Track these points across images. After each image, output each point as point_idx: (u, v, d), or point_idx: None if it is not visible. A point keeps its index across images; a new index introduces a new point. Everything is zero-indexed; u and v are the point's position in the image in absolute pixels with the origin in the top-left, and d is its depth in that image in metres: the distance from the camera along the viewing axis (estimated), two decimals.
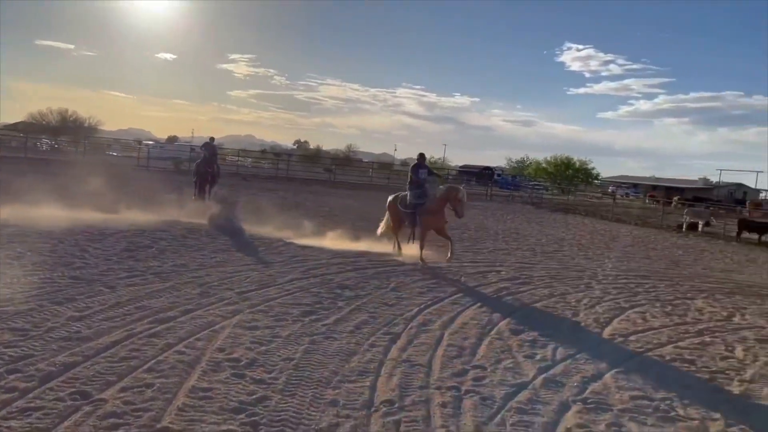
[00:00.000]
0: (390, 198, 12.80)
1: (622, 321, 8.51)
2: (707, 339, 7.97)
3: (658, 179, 75.08)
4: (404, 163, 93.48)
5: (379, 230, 13.12)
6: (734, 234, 24.93)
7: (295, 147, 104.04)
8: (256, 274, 9.23)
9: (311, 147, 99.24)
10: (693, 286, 12.17)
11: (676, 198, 46.53)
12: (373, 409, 4.82)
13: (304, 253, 11.44)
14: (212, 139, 18.71)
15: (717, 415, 5.34)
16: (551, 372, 6.08)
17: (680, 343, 7.62)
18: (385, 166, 71.50)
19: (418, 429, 4.53)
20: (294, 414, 4.58)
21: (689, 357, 7.05)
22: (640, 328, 8.18)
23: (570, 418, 4.98)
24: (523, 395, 5.39)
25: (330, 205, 22.19)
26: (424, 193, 11.83)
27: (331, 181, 37.72)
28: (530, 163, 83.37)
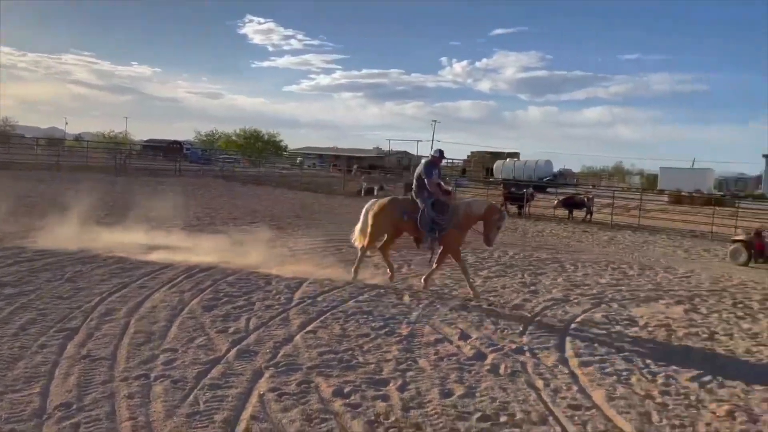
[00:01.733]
0: (381, 202, 9.57)
1: (311, 284, 9.03)
2: (382, 291, 8.95)
3: (339, 150, 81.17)
4: (78, 137, 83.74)
5: (355, 240, 9.91)
6: (402, 195, 28.46)
7: None
8: None
9: None
10: None
11: (355, 167, 51.03)
12: (45, 416, 4.27)
13: None
14: None
15: (390, 356, 6.07)
16: (244, 343, 6.17)
17: (360, 297, 8.43)
18: (54, 142, 63.15)
19: (101, 427, 4.17)
20: None
21: (367, 309, 7.85)
22: (327, 289, 8.78)
23: (263, 384, 5.13)
24: (216, 370, 5.36)
25: None
26: (444, 205, 9.04)
27: None
28: (220, 136, 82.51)
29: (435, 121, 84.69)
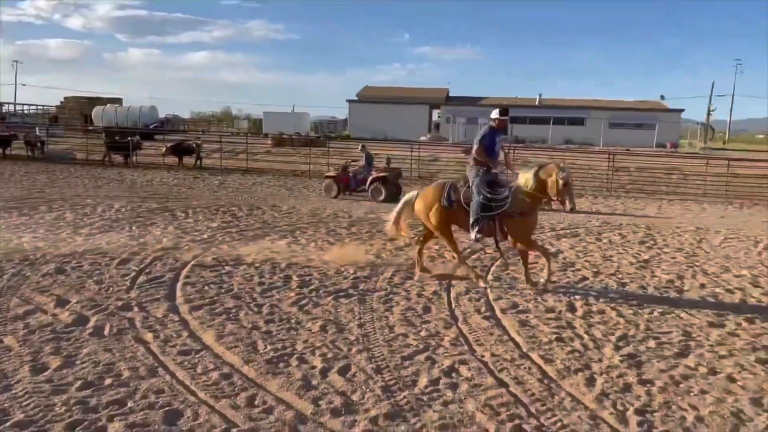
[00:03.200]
0: (424, 192, 7.90)
1: None
2: None
3: None
4: None
5: (389, 228, 8.29)
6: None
7: None
8: None
9: None
10: None
11: None
12: None
13: None
14: None
15: None
16: None
17: None
18: None
19: None
20: None
21: None
22: None
23: None
24: None
25: None
26: (498, 184, 7.31)
27: None
28: None
29: (17, 61, 71.58)
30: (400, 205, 8.21)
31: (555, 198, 7.05)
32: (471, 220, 7.28)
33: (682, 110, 53.23)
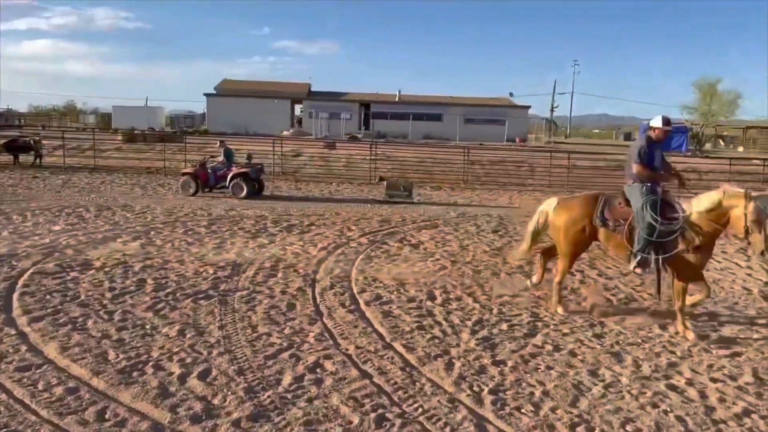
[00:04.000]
0: (568, 203, 6.70)
1: None
2: None
3: None
4: None
5: (522, 251, 7.28)
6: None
7: None
8: None
9: None
10: None
11: None
12: None
13: None
14: None
15: None
16: None
17: None
18: None
19: None
20: None
21: None
22: None
23: None
24: None
25: None
26: (674, 208, 6.02)
27: None
28: None
29: None
30: (535, 218, 6.97)
31: (738, 235, 5.84)
32: (634, 250, 6.11)
33: (529, 107, 57.28)
